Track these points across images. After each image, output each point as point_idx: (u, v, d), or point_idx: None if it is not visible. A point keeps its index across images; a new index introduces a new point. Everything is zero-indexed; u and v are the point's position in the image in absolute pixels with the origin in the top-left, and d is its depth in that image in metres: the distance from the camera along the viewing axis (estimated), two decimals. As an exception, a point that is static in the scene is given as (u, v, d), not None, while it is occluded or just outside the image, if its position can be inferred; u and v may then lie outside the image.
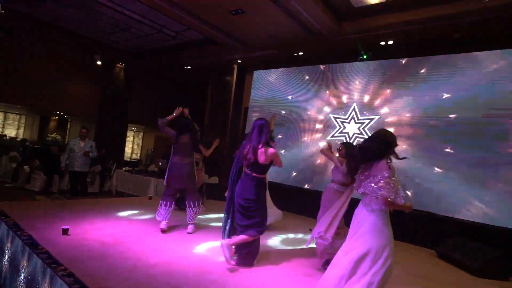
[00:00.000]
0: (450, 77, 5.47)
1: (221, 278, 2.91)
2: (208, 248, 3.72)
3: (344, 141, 5.93)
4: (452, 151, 5.30)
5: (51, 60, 9.70)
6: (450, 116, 5.39)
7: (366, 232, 2.24)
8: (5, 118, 14.47)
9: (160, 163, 7.57)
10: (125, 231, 3.94)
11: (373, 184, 2.24)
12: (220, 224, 3.64)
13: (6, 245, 3.30)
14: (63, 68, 10.06)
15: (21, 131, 14.80)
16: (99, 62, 10.08)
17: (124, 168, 8.67)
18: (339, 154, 3.74)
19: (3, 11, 4.72)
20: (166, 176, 4.21)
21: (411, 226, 5.22)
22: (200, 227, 4.53)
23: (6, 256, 3.24)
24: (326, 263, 3.36)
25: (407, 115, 5.85)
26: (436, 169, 5.38)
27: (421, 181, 5.47)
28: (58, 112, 12.92)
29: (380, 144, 2.32)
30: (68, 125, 14.29)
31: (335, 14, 6.00)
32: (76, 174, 6.46)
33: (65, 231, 3.45)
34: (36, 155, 8.49)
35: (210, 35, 7.37)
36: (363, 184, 2.33)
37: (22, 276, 2.85)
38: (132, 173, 7.92)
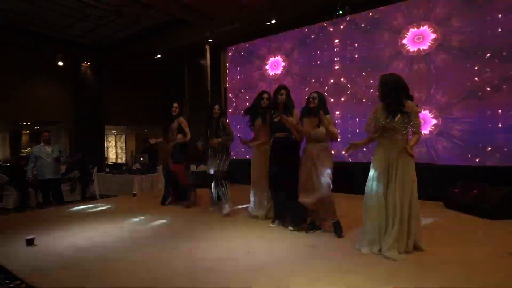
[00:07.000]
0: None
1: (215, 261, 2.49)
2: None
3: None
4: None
5: (9, 66, 8.84)
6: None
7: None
8: (-29, 140, 13.54)
9: (141, 158, 7.04)
10: (105, 232, 3.47)
11: None
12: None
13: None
14: (26, 75, 9.20)
15: (-8, 151, 13.89)
16: (60, 63, 9.32)
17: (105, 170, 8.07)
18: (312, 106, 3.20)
19: None
20: None
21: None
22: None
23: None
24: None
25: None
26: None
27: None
28: (28, 123, 12.06)
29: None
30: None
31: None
32: (48, 182, 5.82)
33: (29, 242, 2.95)
34: (7, 172, 7.78)
35: (173, 12, 6.75)
36: None
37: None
38: (114, 174, 7.36)
